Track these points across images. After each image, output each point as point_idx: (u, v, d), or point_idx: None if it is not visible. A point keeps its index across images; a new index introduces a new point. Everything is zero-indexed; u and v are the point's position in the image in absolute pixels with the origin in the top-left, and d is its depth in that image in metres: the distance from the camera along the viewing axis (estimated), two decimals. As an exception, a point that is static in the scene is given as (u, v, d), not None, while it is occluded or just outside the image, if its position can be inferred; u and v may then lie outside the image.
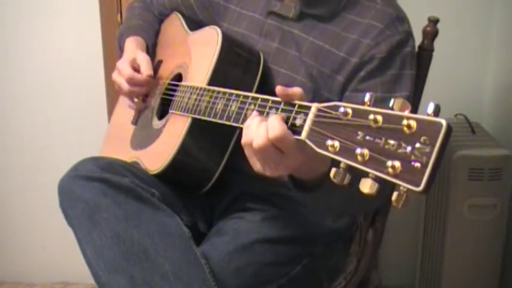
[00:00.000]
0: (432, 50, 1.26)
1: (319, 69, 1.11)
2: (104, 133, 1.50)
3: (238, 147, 1.07)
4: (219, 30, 1.14)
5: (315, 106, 0.77)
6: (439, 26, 1.25)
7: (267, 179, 0.90)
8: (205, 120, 1.03)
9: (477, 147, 1.65)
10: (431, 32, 1.26)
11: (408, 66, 1.09)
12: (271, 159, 0.82)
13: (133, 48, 1.28)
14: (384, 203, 1.29)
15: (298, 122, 0.80)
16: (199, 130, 1.09)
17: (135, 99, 1.28)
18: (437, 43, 1.26)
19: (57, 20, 1.90)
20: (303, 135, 0.77)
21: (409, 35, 1.11)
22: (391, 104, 0.68)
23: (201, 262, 1.01)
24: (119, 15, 1.82)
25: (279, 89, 0.84)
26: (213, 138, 1.10)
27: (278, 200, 1.15)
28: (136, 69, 1.23)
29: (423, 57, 1.25)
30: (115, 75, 1.25)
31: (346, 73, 1.09)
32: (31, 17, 1.90)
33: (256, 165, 0.86)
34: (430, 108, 0.64)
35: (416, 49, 1.25)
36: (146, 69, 1.22)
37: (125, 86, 1.23)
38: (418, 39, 1.25)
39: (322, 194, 0.90)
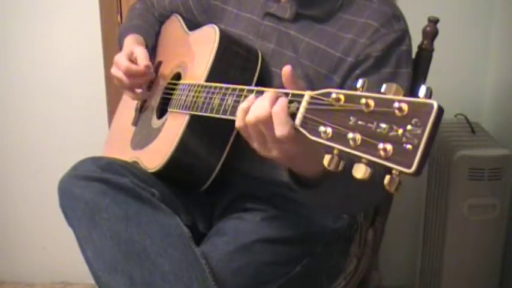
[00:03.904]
0: (432, 50, 1.26)
1: (316, 69, 1.11)
2: (105, 136, 1.50)
3: (239, 147, 1.08)
4: (217, 28, 1.14)
5: (308, 93, 0.77)
6: (439, 26, 1.25)
7: (267, 179, 0.90)
8: (203, 116, 1.03)
9: (477, 147, 1.64)
10: (431, 32, 1.25)
11: (404, 64, 1.09)
12: (264, 135, 0.82)
13: (131, 43, 1.29)
14: (383, 200, 1.29)
15: (291, 110, 0.79)
16: (197, 126, 1.09)
17: (137, 90, 1.27)
18: (437, 43, 1.26)
19: (57, 20, 1.90)
20: (296, 122, 0.77)
21: (405, 33, 1.10)
22: (383, 90, 0.67)
23: (201, 262, 1.01)
24: (119, 15, 1.82)
25: (287, 69, 0.83)
26: (211, 134, 1.10)
27: (278, 200, 1.15)
28: (134, 62, 1.23)
29: (423, 57, 1.25)
30: (113, 69, 1.25)
31: (342, 73, 1.09)
32: (31, 17, 1.90)
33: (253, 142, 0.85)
34: (422, 91, 0.64)
35: (416, 49, 1.25)
36: (143, 60, 1.22)
37: (124, 79, 1.22)
38: (418, 39, 1.25)
39: (322, 192, 0.89)
